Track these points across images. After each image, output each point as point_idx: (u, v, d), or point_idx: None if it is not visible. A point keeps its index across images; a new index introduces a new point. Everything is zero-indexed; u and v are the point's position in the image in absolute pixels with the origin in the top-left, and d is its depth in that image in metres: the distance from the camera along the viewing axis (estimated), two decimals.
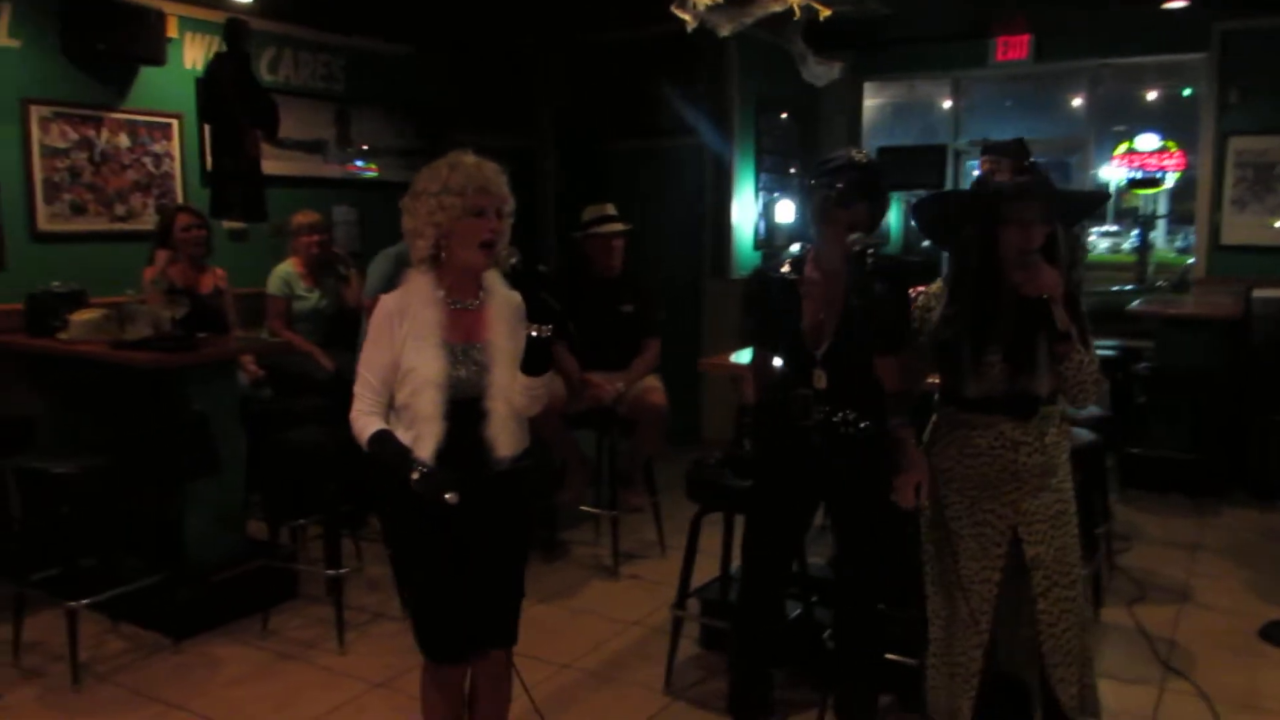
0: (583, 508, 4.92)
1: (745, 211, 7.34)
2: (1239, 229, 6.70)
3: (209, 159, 5.37)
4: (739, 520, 3.59)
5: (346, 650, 3.82)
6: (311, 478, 4.13)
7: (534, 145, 7.73)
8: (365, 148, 6.45)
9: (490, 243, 2.39)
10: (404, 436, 2.37)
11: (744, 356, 4.12)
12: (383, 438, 2.37)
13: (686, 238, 7.36)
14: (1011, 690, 3.04)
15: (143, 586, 3.86)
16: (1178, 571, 4.75)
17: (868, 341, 2.66)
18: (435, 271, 2.43)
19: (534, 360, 2.41)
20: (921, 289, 3.62)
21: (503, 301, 2.50)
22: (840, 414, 2.73)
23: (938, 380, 2.85)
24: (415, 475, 2.31)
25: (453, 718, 2.61)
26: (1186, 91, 7.96)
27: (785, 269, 2.85)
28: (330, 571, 3.89)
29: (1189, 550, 5.07)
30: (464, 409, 2.38)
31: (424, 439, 2.35)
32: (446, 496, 2.28)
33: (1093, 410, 4.34)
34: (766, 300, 2.88)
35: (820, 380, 2.73)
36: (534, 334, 2.39)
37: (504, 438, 2.43)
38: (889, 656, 3.10)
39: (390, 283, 4.81)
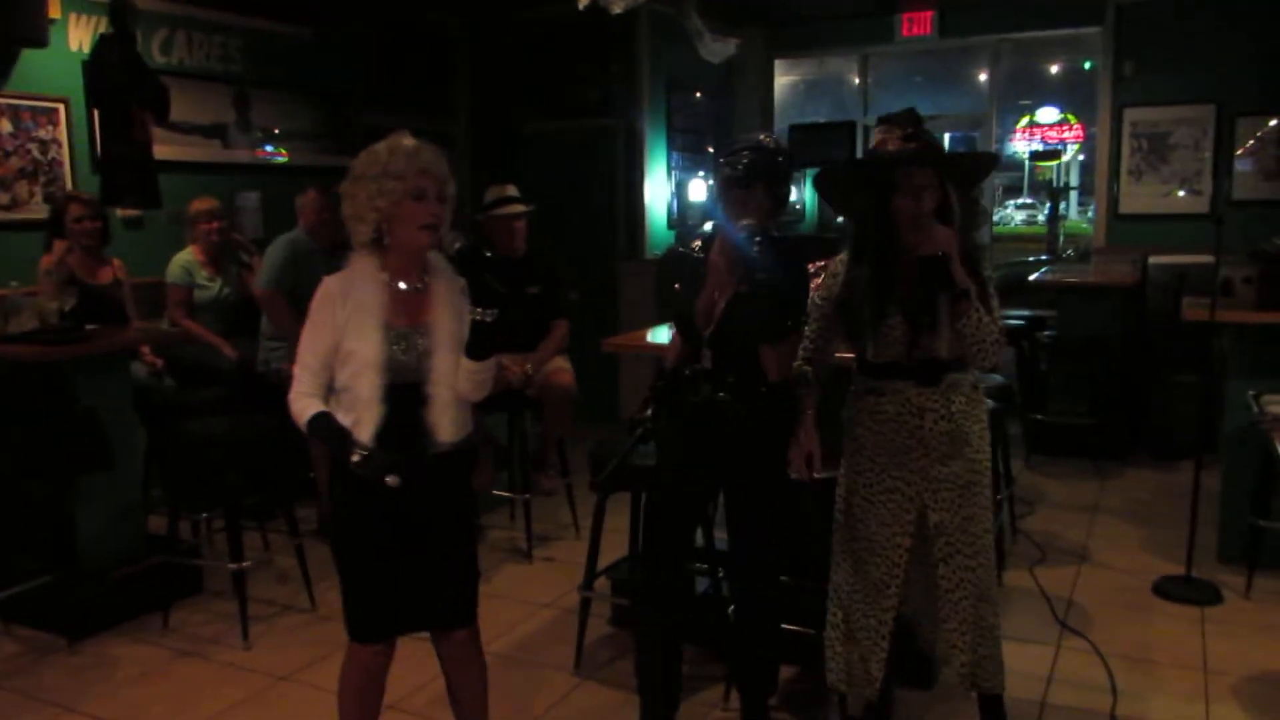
0: (495, 491, 4.87)
1: (658, 191, 7.32)
2: (1136, 198, 6.88)
3: (99, 145, 5.16)
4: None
5: (251, 645, 3.73)
6: (214, 469, 4.01)
7: (447, 127, 7.61)
8: (276, 131, 6.27)
9: (433, 225, 2.37)
10: (344, 419, 2.34)
11: (661, 335, 4.12)
12: (322, 419, 2.35)
13: (600, 219, 7.32)
14: (917, 658, 3.09)
15: (35, 586, 3.72)
16: (1078, 533, 4.87)
17: (751, 329, 2.67)
18: (379, 254, 2.40)
19: (478, 344, 2.39)
20: (822, 263, 3.64)
21: (447, 284, 2.48)
22: (721, 394, 2.73)
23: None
24: (355, 457, 2.29)
25: (372, 708, 2.57)
26: (1088, 64, 8.12)
27: (696, 245, 2.83)
28: (233, 565, 3.79)
29: (1089, 512, 5.21)
30: (405, 393, 2.35)
31: (363, 422, 2.32)
32: (387, 479, 2.27)
33: (995, 378, 4.43)
34: (673, 277, 2.87)
35: (706, 360, 2.73)
36: (478, 318, 2.37)
37: (445, 423, 2.39)
38: (788, 627, 3.10)
39: (285, 271, 4.75)
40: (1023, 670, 3.36)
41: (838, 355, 2.95)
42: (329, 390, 2.40)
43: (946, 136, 9.43)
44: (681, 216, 7.52)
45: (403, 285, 2.40)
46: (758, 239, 2.57)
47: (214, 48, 5.92)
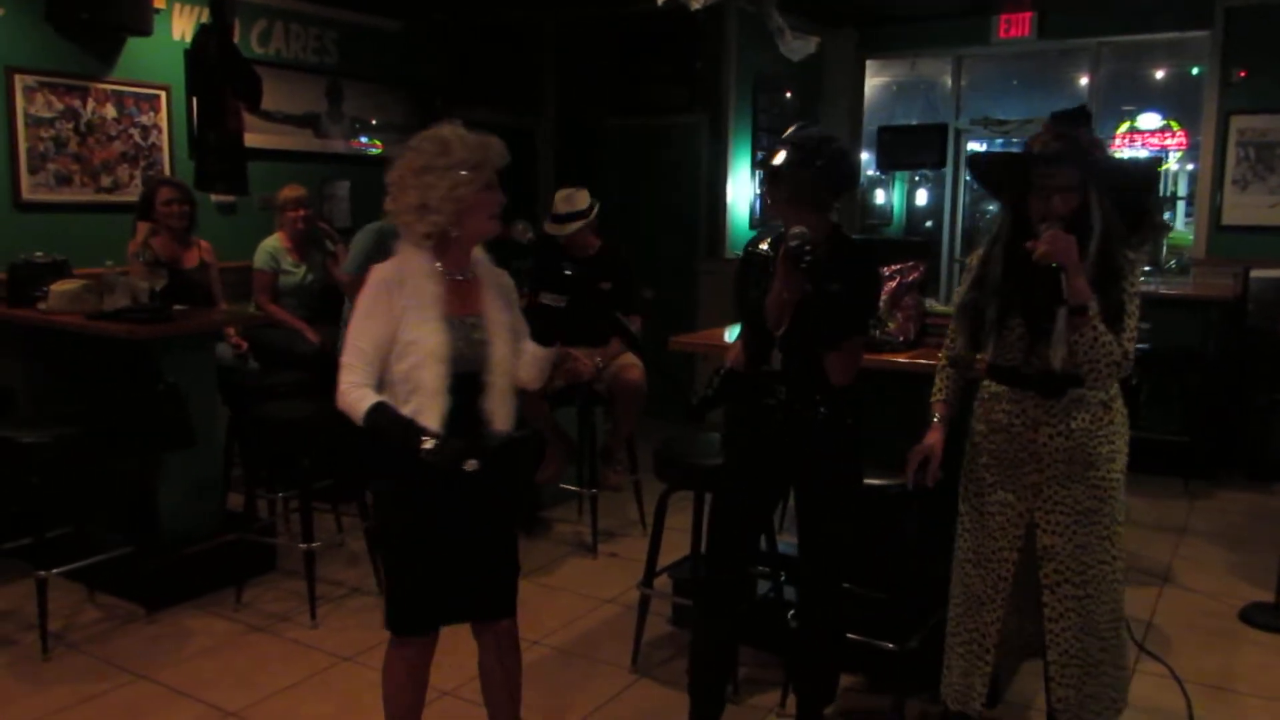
0: (563, 485, 4.87)
1: (741, 190, 7.24)
2: (1240, 209, 6.57)
3: (195, 131, 5.31)
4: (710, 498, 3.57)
5: (318, 624, 3.79)
6: (291, 451, 4.09)
7: (531, 123, 7.66)
8: (371, 122, 6.39)
9: (500, 214, 2.40)
10: (401, 410, 2.31)
11: (734, 334, 4.06)
12: (383, 408, 2.29)
13: (681, 217, 7.27)
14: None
15: (114, 557, 3.84)
16: (1163, 553, 4.67)
17: (809, 334, 2.60)
18: (434, 247, 2.38)
19: (548, 330, 2.42)
20: (897, 267, 3.54)
21: (491, 273, 2.49)
22: (798, 396, 2.66)
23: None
24: (428, 444, 2.23)
25: (417, 700, 2.56)
26: (1195, 70, 7.78)
27: (764, 245, 2.77)
28: (304, 545, 3.86)
29: (1176, 533, 4.99)
30: (463, 382, 2.34)
31: (426, 412, 2.28)
32: (467, 465, 2.23)
33: None
34: (745, 275, 2.82)
35: (776, 361, 2.67)
36: (548, 304, 2.39)
37: (501, 411, 2.40)
38: (852, 636, 3.02)
39: (371, 259, 4.79)
40: None
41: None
42: (379, 381, 2.35)
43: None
44: (764, 216, 7.43)
45: (453, 274, 2.39)
46: (808, 247, 2.48)
47: (310, 39, 6.06)
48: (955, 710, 2.81)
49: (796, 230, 2.49)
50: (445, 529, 2.40)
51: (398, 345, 2.31)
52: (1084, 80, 7.72)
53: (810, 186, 2.57)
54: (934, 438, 2.69)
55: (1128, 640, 2.68)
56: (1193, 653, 3.62)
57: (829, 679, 2.92)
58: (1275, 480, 5.74)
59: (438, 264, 2.37)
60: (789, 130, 2.65)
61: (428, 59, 6.72)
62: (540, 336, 2.44)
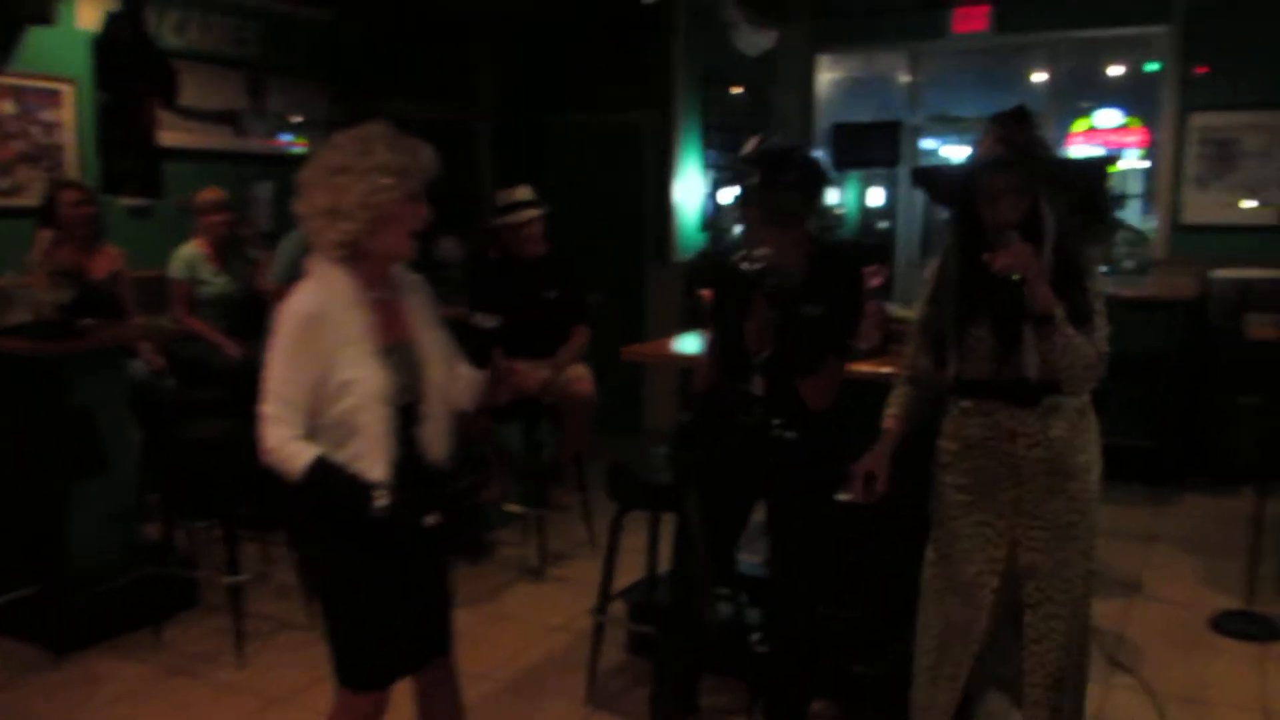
0: (507, 506, 4.77)
1: (690, 191, 7.20)
2: (1201, 208, 6.68)
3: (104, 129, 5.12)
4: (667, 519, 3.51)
5: (246, 664, 3.65)
6: (213, 475, 3.94)
7: (470, 119, 7.54)
8: (293, 119, 6.22)
9: (419, 231, 2.23)
10: (336, 457, 2.16)
11: (687, 344, 4.00)
12: (326, 464, 2.12)
13: (628, 218, 7.22)
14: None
15: (19, 597, 3.67)
16: (1131, 562, 4.71)
17: (786, 361, 2.59)
18: (347, 259, 2.20)
19: (481, 351, 2.31)
20: (873, 268, 3.52)
21: (413, 290, 2.35)
22: (776, 420, 2.65)
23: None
24: (382, 503, 2.11)
25: None
26: (1151, 66, 7.92)
27: (744, 266, 2.71)
28: (229, 579, 3.71)
29: (1144, 540, 5.05)
30: (400, 417, 2.21)
31: (370, 458, 2.14)
32: (427, 520, 2.14)
33: None
34: (723, 294, 2.78)
35: (758, 386, 2.65)
36: (481, 324, 2.29)
37: (439, 440, 2.29)
38: (822, 661, 2.98)
39: (300, 266, 4.67)
40: None
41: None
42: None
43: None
44: (715, 218, 7.40)
45: (379, 296, 2.24)
46: (776, 276, 2.45)
47: (229, 30, 5.89)
48: None
49: (759, 253, 2.45)
50: (394, 579, 2.27)
51: (329, 386, 2.14)
52: (1040, 76, 7.82)
53: (782, 203, 2.54)
54: (878, 452, 2.66)
55: (1092, 653, 2.71)
56: (1164, 663, 3.66)
57: (801, 705, 2.88)
58: (1241, 484, 5.83)
59: (358, 286, 2.20)
60: (750, 145, 2.61)
61: (358, 52, 6.58)
62: (473, 358, 2.33)
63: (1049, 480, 2.53)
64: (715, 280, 2.86)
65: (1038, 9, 7.19)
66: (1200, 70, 6.59)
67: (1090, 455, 2.57)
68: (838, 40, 8.00)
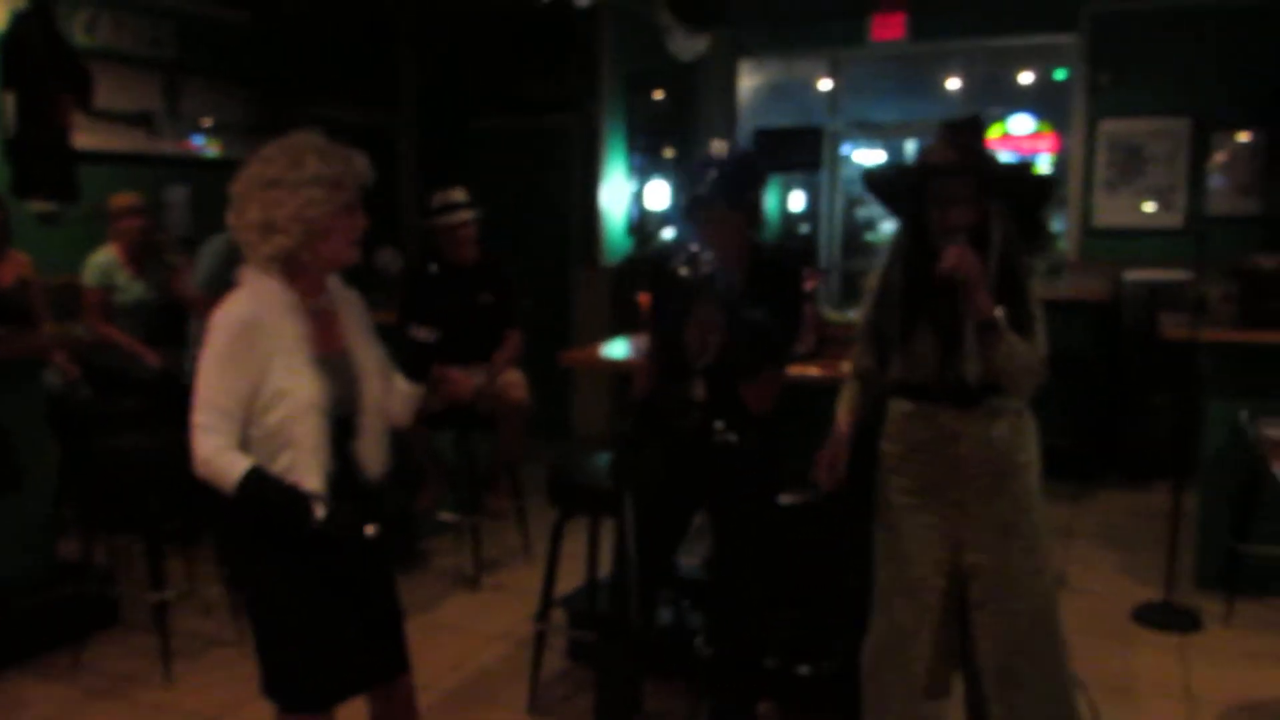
0: (440, 514, 4.72)
1: (617, 195, 7.21)
2: (1110, 212, 6.92)
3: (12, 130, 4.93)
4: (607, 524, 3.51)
5: (174, 683, 3.55)
6: (133, 489, 3.82)
7: (393, 122, 7.45)
8: (209, 122, 6.06)
9: (361, 240, 2.21)
10: (270, 468, 2.11)
11: (617, 349, 4.01)
12: (260, 475, 2.08)
13: (554, 223, 7.20)
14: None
15: None
16: (1054, 558, 4.83)
17: (733, 363, 2.61)
18: (282, 271, 2.17)
19: (418, 366, 2.27)
20: (808, 271, 3.57)
21: (347, 301, 2.31)
22: (716, 423, 2.67)
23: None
24: (320, 515, 2.07)
25: None
26: (1058, 74, 8.18)
27: (684, 271, 2.72)
28: (154, 595, 3.60)
29: (1064, 536, 5.19)
30: (336, 429, 2.17)
31: (304, 470, 2.10)
32: (368, 531, 2.09)
33: None
34: (661, 298, 2.78)
35: (699, 390, 2.66)
36: (420, 338, 2.26)
37: (376, 454, 2.25)
38: (767, 663, 3.01)
39: (224, 272, 4.55)
40: None
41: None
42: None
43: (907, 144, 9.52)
44: (641, 222, 7.43)
45: (315, 306, 2.22)
46: (724, 279, 2.49)
47: (143, 30, 5.72)
48: None
49: (708, 256, 2.47)
50: (331, 595, 2.22)
51: (263, 396, 2.10)
52: (956, 83, 8.02)
53: (745, 207, 2.58)
54: (836, 444, 2.69)
55: (1064, 652, 2.69)
56: (1091, 654, 3.73)
57: (746, 708, 2.90)
58: (1153, 479, 6.05)
59: (294, 296, 2.17)
60: (719, 147, 2.63)
61: (276, 53, 6.45)
62: (410, 372, 2.30)
63: (991, 481, 2.57)
64: (654, 284, 2.86)
65: (953, 17, 7.38)
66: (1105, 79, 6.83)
67: (1030, 455, 2.62)
68: (760, 46, 8.11)
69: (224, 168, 5.94)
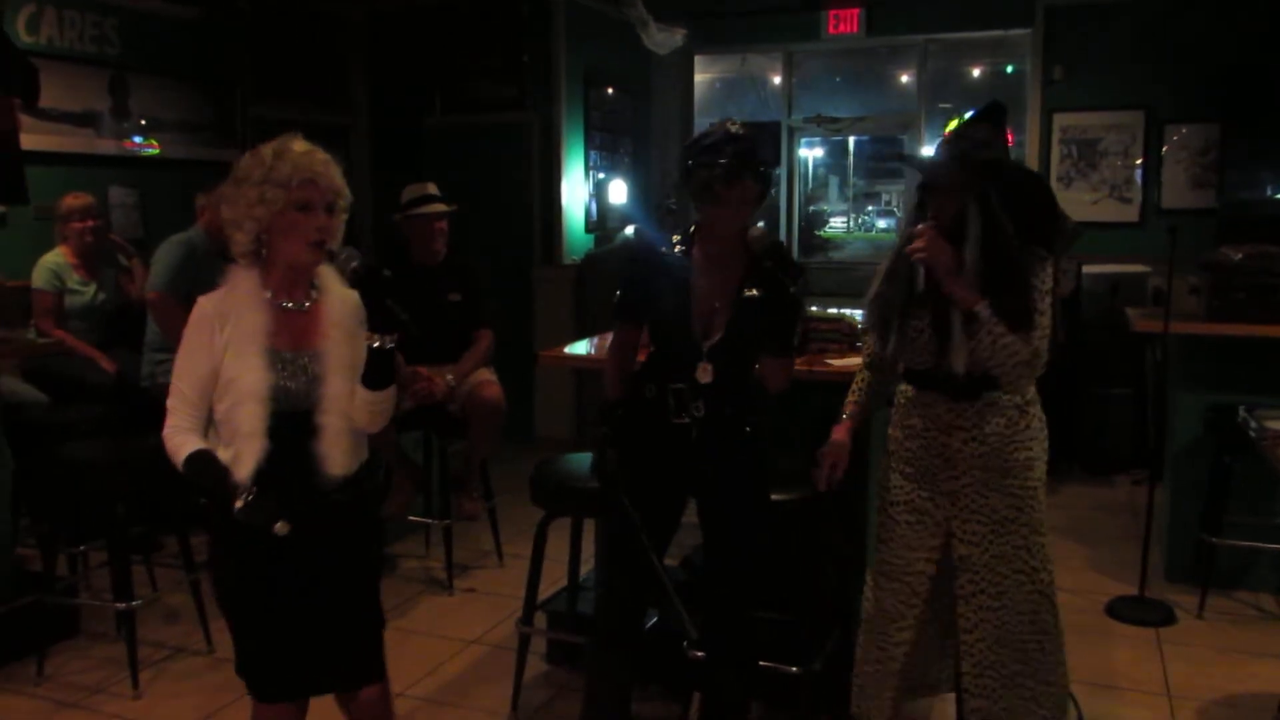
0: (411, 517, 4.70)
1: (576, 192, 7.23)
2: (1067, 205, 7.01)
3: None
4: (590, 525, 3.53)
5: (141, 693, 3.50)
6: (93, 497, 3.76)
7: (346, 121, 7.40)
8: (143, 121, 5.96)
9: (320, 241, 2.24)
10: (223, 455, 2.20)
11: (580, 348, 4.02)
12: (200, 458, 2.19)
13: (513, 221, 7.19)
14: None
15: None
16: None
17: (758, 338, 2.63)
18: (260, 268, 2.26)
19: (375, 373, 2.28)
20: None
21: (338, 302, 2.35)
22: (724, 410, 2.67)
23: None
24: (239, 503, 2.13)
25: None
26: (1010, 68, 8.35)
27: (678, 250, 2.73)
28: (119, 605, 3.56)
29: None
30: (292, 423, 2.21)
31: (243, 458, 2.17)
32: (275, 528, 2.13)
33: None
34: (651, 282, 2.75)
35: (706, 374, 2.64)
36: (375, 345, 2.26)
37: (337, 454, 2.26)
38: (762, 663, 3.03)
39: (181, 274, 4.51)
40: None
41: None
42: (208, 423, 2.26)
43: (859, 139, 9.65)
44: (601, 219, 7.45)
45: (288, 304, 2.28)
46: (774, 243, 2.56)
47: (87, 27, 5.62)
48: None
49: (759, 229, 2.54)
50: (284, 588, 2.27)
51: (219, 384, 2.22)
52: (908, 78, 8.15)
53: (767, 179, 2.60)
54: (840, 435, 2.75)
55: (1057, 654, 2.73)
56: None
57: (738, 709, 2.91)
58: (1113, 473, 6.20)
59: (266, 292, 2.26)
60: (724, 126, 2.61)
61: (227, 51, 6.37)
62: (370, 380, 2.30)
63: (985, 475, 2.61)
64: (636, 277, 2.84)
65: (907, 12, 7.49)
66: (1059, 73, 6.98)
67: (1032, 453, 2.63)
68: (714, 42, 8.16)
69: (172, 168, 5.95)
